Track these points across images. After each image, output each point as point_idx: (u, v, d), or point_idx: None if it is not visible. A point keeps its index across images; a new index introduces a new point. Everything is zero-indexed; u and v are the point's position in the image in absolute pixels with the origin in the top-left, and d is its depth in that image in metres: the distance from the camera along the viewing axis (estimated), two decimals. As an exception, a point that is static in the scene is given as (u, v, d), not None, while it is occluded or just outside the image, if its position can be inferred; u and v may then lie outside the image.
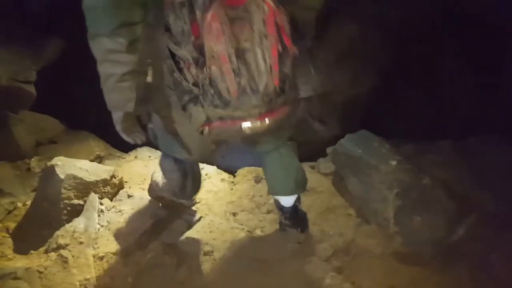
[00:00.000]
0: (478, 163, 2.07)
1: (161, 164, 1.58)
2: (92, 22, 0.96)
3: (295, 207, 1.57)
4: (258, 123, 1.07)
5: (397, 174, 1.85)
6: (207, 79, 0.99)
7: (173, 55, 1.03)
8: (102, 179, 1.87)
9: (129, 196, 1.90)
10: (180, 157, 1.39)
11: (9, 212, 1.78)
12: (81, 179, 1.75)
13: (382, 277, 1.47)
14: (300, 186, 1.53)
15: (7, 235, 1.67)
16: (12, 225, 1.72)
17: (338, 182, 2.14)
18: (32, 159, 2.36)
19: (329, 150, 2.30)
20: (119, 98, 1.05)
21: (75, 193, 1.74)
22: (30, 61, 2.55)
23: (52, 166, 1.72)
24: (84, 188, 1.77)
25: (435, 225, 1.64)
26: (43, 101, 2.86)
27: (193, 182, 1.58)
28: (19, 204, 1.84)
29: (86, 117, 3.17)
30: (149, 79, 1.11)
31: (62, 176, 1.69)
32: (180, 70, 1.03)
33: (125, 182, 2.22)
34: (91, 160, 2.52)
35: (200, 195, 2.24)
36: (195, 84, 1.02)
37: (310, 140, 2.91)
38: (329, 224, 1.86)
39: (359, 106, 3.03)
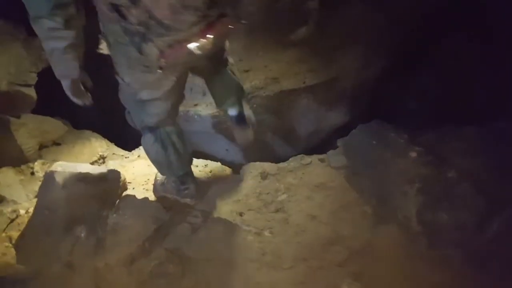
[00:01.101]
0: (506, 150, 1.88)
1: (142, 143, 1.70)
2: (32, 7, 1.12)
3: (240, 113, 1.89)
4: (203, 41, 1.17)
5: (417, 168, 1.70)
6: (145, 12, 1.08)
7: (116, 9, 1.12)
8: (104, 183, 1.80)
9: (131, 200, 1.82)
10: (154, 120, 1.54)
11: (12, 220, 1.73)
12: (82, 185, 1.68)
13: (405, 284, 1.34)
14: (240, 97, 1.85)
15: (10, 245, 1.63)
16: (14, 235, 1.67)
17: (351, 177, 1.99)
18: (36, 163, 2.32)
19: (340, 142, 2.15)
20: (65, 68, 1.23)
21: (76, 200, 1.67)
22: (29, 63, 2.48)
23: (52, 173, 1.66)
24: (86, 194, 1.70)
25: (463, 224, 1.48)
26: (45, 103, 2.82)
27: (176, 153, 1.67)
28: (22, 212, 1.80)
29: (89, 116, 3.12)
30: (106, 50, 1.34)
31: (61, 183, 1.63)
32: (124, 17, 1.13)
33: (129, 183, 2.16)
34: (95, 161, 2.48)
35: (205, 192, 2.15)
36: (140, 23, 1.12)
37: (318, 129, 2.76)
38: (343, 223, 1.72)
39: (369, 91, 2.83)
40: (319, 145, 2.77)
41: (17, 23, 2.64)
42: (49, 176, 1.67)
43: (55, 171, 1.66)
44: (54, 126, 2.65)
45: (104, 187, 1.81)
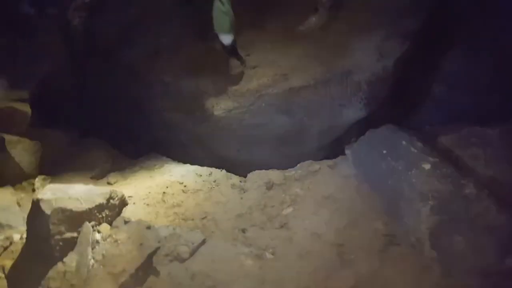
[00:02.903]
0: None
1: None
2: None
3: (233, 47, 2.34)
4: None
5: (432, 182, 1.53)
6: None
7: None
8: (97, 205, 1.73)
9: (126, 222, 1.75)
10: None
11: (5, 248, 1.70)
12: (71, 210, 1.62)
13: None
14: (233, 28, 2.29)
15: (3, 275, 1.59)
16: (8, 263, 1.64)
17: (360, 189, 1.83)
18: (36, 179, 2.29)
19: (348, 149, 1.98)
20: None
21: (67, 226, 1.61)
22: (24, 77, 2.41)
23: (38, 201, 1.59)
24: (77, 219, 1.64)
25: (483, 248, 1.32)
26: (47, 114, 2.78)
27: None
28: (16, 238, 1.76)
29: (91, 125, 3.07)
30: None
31: (48, 212, 1.56)
32: None
33: (129, 197, 2.09)
34: (96, 174, 2.42)
35: (207, 209, 2.06)
36: None
37: (333, 127, 2.58)
38: (351, 243, 1.59)
39: (388, 83, 2.58)
40: (334, 143, 2.60)
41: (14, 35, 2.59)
42: (35, 206, 1.60)
43: (41, 199, 1.59)
44: (54, 139, 2.60)
45: (97, 209, 1.74)
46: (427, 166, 1.57)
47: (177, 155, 2.78)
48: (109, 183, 2.31)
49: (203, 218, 1.95)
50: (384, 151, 1.72)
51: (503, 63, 2.39)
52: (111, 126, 3.07)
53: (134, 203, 2.06)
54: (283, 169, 2.41)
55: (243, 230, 1.84)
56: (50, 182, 2.27)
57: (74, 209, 1.62)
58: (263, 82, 2.46)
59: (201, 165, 2.60)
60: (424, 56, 2.59)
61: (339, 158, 2.14)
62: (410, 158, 1.64)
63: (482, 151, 1.71)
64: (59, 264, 1.51)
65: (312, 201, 1.92)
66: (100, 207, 1.76)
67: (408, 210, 1.51)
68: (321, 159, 2.51)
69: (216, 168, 2.53)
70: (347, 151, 1.96)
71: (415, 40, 2.46)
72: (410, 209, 1.50)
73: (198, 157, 2.76)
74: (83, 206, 1.67)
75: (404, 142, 1.70)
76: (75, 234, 1.62)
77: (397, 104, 2.61)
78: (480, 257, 1.30)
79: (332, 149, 2.54)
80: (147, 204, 2.06)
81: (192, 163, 2.60)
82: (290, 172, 2.22)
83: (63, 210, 1.59)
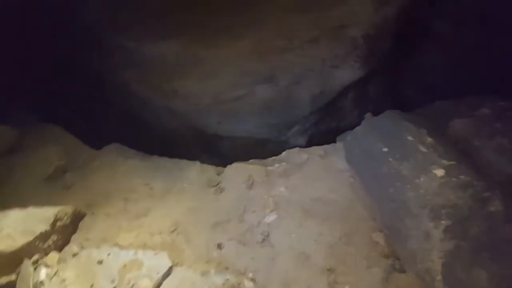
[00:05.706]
0: None
1: None
2: None
3: None
4: None
5: (446, 194, 1.20)
6: None
7: None
8: (37, 236, 1.44)
9: (74, 255, 1.46)
10: None
11: None
12: (1, 252, 1.31)
13: None
14: None
15: None
16: None
17: (357, 186, 1.52)
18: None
19: (340, 140, 1.62)
20: None
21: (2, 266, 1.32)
22: None
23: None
24: (12, 259, 1.35)
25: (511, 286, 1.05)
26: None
27: None
28: None
29: (48, 111, 2.67)
30: None
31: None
32: None
33: (88, 205, 1.79)
34: (51, 175, 2.08)
35: (178, 217, 1.77)
36: None
37: (325, 90, 2.23)
38: (345, 265, 1.33)
39: (388, 37, 2.22)
40: (327, 107, 2.30)
41: None
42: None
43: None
44: (1, 133, 2.22)
45: (40, 239, 1.44)
46: (439, 172, 1.23)
47: (146, 131, 2.49)
48: (65, 187, 1.99)
49: (172, 232, 1.67)
50: (385, 149, 1.37)
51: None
52: (69, 106, 2.69)
53: (93, 213, 1.77)
54: (270, 138, 2.20)
55: (219, 246, 1.57)
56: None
57: (6, 249, 1.33)
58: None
59: (175, 137, 2.34)
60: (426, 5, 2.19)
61: (331, 146, 1.80)
62: (418, 160, 1.29)
63: (508, 142, 1.36)
64: (-7, 321, 1.26)
65: (299, 205, 1.63)
66: (43, 236, 1.46)
67: (414, 230, 1.21)
68: (310, 125, 2.23)
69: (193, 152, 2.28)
70: (339, 144, 1.60)
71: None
72: (418, 229, 1.20)
73: (172, 129, 2.48)
74: (18, 242, 1.37)
75: (410, 138, 1.34)
76: (13, 278, 1.35)
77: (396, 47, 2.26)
78: (507, 297, 1.03)
79: (324, 111, 2.22)
80: (107, 215, 1.76)
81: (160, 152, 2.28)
82: (273, 166, 1.90)
83: (-10, 254, 1.29)
